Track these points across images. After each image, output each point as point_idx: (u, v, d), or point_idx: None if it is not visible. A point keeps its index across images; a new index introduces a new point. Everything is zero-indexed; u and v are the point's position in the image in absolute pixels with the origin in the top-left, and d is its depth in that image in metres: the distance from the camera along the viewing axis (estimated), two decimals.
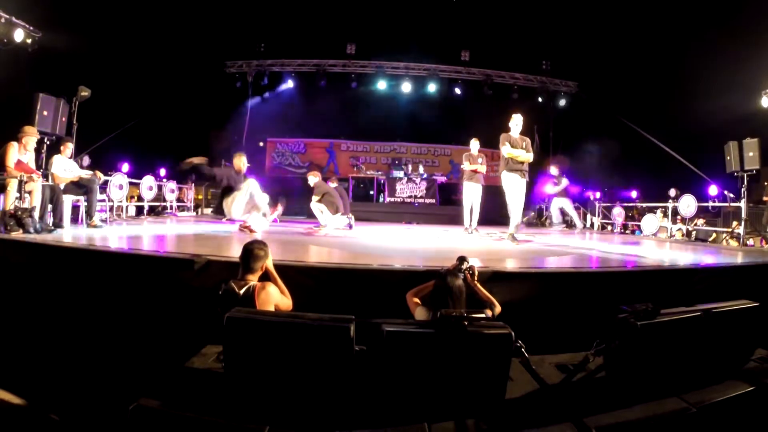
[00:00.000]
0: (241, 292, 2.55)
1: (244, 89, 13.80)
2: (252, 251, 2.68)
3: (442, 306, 2.46)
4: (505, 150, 5.67)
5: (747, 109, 7.98)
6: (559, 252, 5.34)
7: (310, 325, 2.06)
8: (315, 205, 6.91)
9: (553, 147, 14.09)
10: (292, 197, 9.91)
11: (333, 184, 8.05)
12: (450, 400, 2.10)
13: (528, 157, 5.69)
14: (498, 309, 2.97)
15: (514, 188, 5.72)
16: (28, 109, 5.96)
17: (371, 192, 12.20)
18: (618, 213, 10.41)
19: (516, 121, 5.80)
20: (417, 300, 2.90)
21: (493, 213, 7.94)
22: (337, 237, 6.27)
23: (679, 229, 8.89)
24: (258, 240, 2.82)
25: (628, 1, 11.11)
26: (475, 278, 2.96)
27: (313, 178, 7.12)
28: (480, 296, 2.97)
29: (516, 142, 5.72)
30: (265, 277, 2.79)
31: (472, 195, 7.18)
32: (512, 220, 5.85)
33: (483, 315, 2.46)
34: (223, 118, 13.36)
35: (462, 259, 2.96)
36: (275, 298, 2.60)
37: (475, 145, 7.25)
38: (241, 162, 6.26)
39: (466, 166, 7.14)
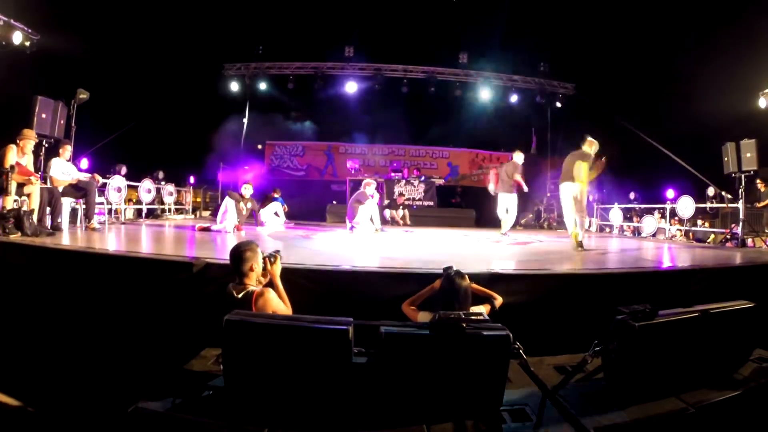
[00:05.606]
0: (240, 296, 2.53)
1: (242, 91, 13.81)
2: (236, 254, 2.64)
3: (448, 308, 2.44)
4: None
5: (744, 110, 8.01)
6: (558, 253, 5.35)
7: (309, 327, 2.06)
8: (364, 213, 7.62)
9: (551, 148, 14.11)
10: (290, 200, 9.90)
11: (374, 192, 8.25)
12: (448, 402, 2.10)
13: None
14: (499, 300, 3.04)
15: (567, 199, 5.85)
16: (27, 112, 5.94)
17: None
18: (616, 214, 10.44)
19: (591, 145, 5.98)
20: (414, 307, 2.91)
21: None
22: (338, 239, 6.27)
23: (678, 230, 8.91)
24: (244, 242, 2.75)
25: (625, 2, 11.16)
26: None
27: (374, 192, 7.76)
28: (479, 294, 3.03)
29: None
30: (268, 282, 2.76)
31: (506, 202, 7.24)
32: (581, 224, 5.96)
33: (481, 315, 2.47)
34: (221, 121, 13.36)
35: (449, 269, 2.96)
36: (273, 304, 2.56)
37: (519, 157, 7.14)
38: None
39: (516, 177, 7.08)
